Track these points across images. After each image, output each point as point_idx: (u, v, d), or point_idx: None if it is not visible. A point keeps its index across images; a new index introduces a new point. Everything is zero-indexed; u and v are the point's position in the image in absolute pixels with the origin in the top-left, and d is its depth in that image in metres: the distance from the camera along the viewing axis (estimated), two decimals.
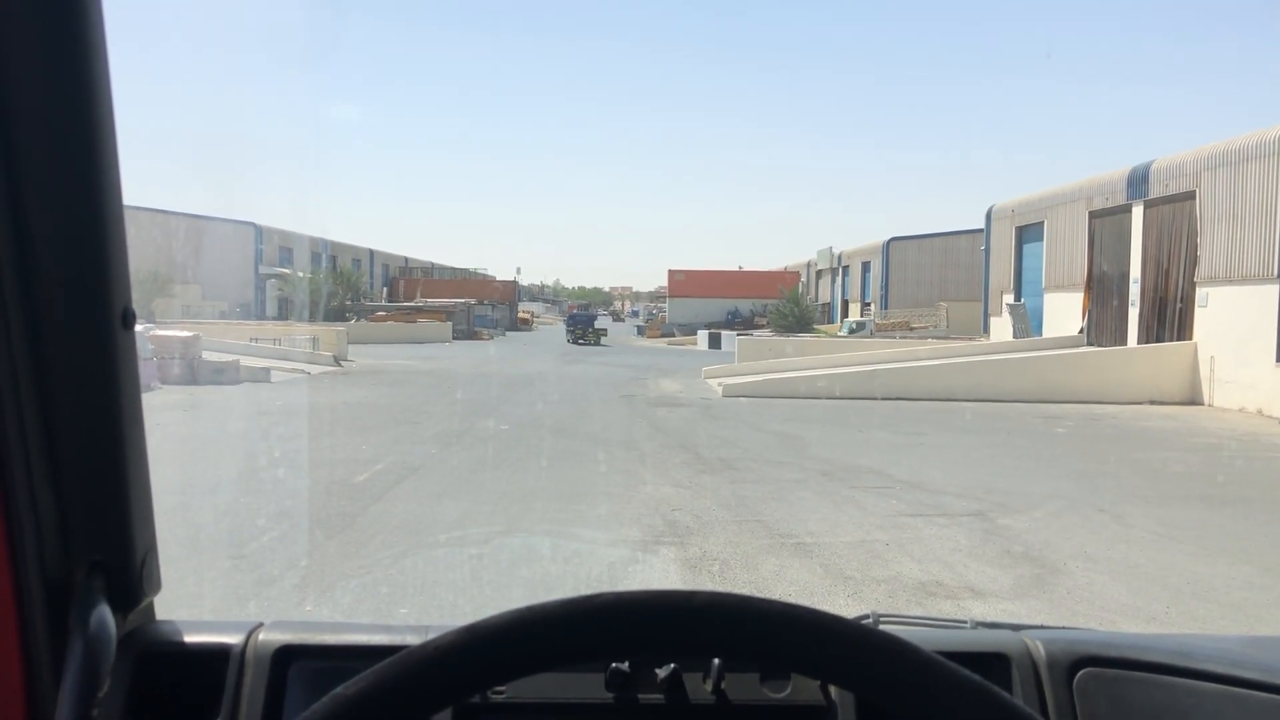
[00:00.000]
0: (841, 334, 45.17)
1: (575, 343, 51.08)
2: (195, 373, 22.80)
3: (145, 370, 20.56)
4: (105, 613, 1.12)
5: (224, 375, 23.21)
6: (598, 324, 56.65)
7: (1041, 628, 1.46)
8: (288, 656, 1.29)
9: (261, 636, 1.31)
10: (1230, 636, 1.55)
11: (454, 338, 50.49)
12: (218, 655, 1.29)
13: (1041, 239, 30.68)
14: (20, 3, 0.99)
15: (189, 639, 1.30)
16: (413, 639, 1.29)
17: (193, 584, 6.77)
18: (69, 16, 1.01)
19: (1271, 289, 19.86)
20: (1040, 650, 1.35)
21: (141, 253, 39.36)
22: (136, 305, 1.15)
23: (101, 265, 1.08)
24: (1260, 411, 19.62)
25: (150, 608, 1.32)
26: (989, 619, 1.59)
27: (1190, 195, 22.87)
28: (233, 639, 1.30)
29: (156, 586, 1.25)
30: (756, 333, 49.01)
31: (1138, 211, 25.16)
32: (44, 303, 1.05)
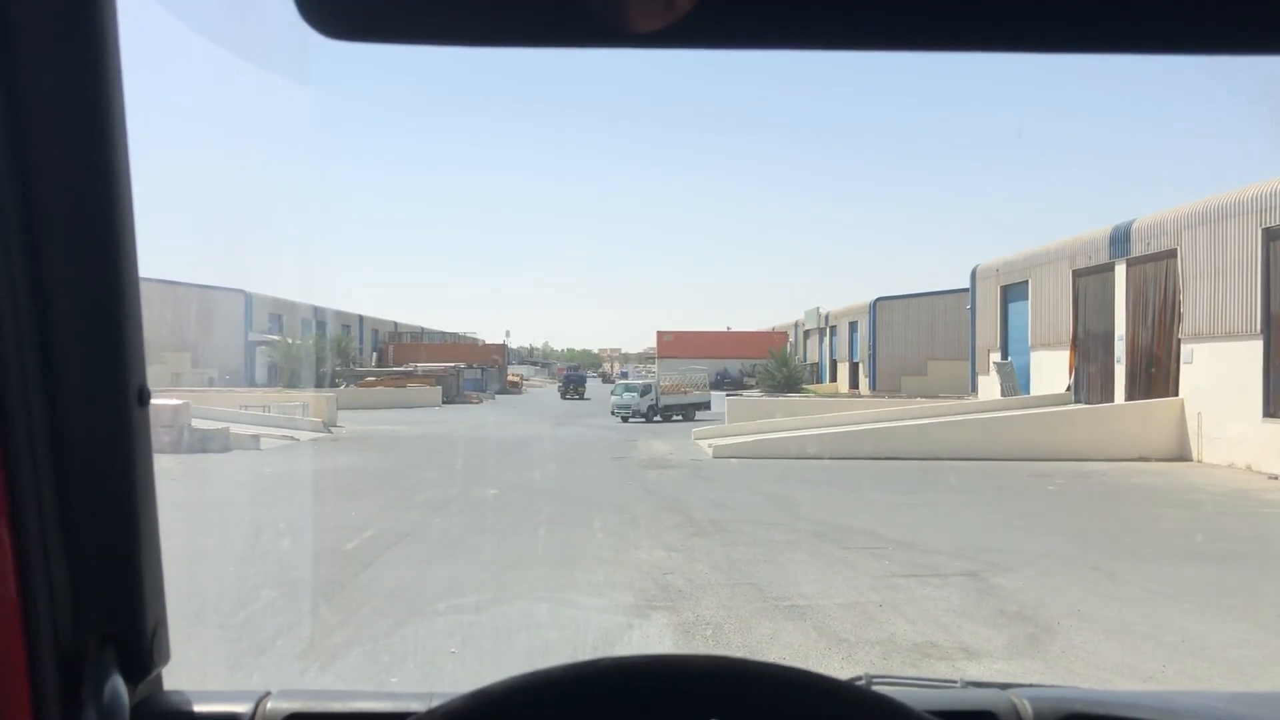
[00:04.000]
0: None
1: (565, 398, 58.58)
2: (185, 441, 22.68)
3: None
4: (118, 684, 1.14)
5: (213, 443, 23.09)
6: (587, 384, 65.16)
7: (1030, 686, 1.49)
8: None
9: (269, 705, 1.33)
10: (1215, 693, 1.58)
11: (443, 402, 50.36)
12: None
13: (1026, 298, 30.93)
14: (42, 87, 1.04)
15: (199, 709, 1.32)
16: (416, 706, 1.31)
17: (183, 653, 6.70)
18: (91, 93, 1.06)
19: (1255, 345, 20.03)
20: (1028, 708, 1.38)
21: None
22: None
23: (119, 344, 1.13)
24: (1249, 467, 19.67)
25: (159, 678, 1.34)
26: (982, 679, 1.61)
27: (1172, 253, 23.14)
28: (241, 708, 1.32)
29: (166, 657, 1.27)
30: (745, 393, 49.06)
31: (1120, 270, 25.43)
32: (63, 381, 1.09)
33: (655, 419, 38.39)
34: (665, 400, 39.70)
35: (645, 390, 40.30)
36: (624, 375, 55.56)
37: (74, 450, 1.11)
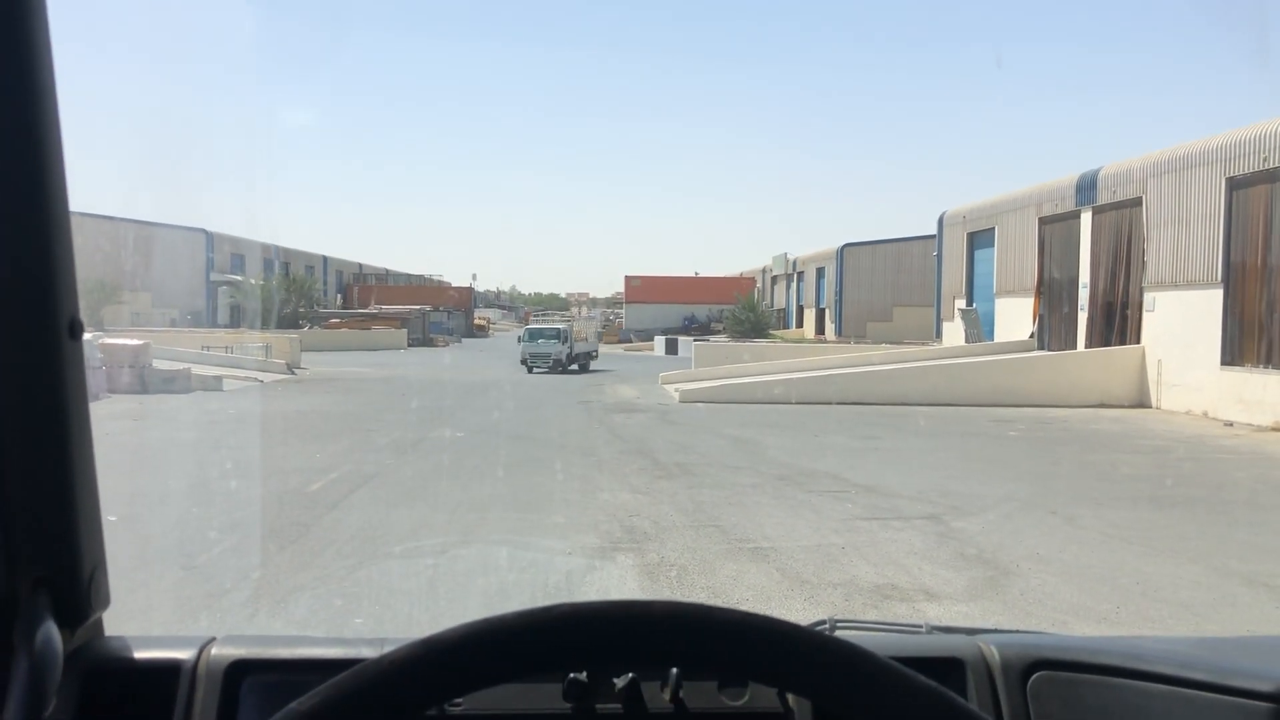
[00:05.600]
0: None
1: None
2: (146, 381, 22.44)
3: (94, 379, 20.20)
4: (51, 630, 1.09)
5: (175, 384, 22.87)
6: None
7: (996, 631, 1.48)
8: (240, 671, 1.27)
9: (214, 651, 1.29)
10: (1180, 638, 1.58)
11: (409, 344, 50.24)
12: (169, 671, 1.26)
13: (993, 245, 31.08)
14: None
15: (139, 655, 1.28)
16: (368, 652, 1.27)
17: (143, 598, 6.66)
18: (11, 18, 0.99)
19: (1216, 293, 20.27)
20: (994, 654, 1.36)
21: (90, 260, 38.61)
22: (85, 313, 1.12)
23: (47, 274, 1.06)
24: (1206, 414, 20.00)
25: (99, 623, 1.29)
26: (945, 622, 1.60)
27: (1137, 201, 23.29)
28: (184, 654, 1.28)
29: (105, 602, 1.22)
30: (713, 338, 49.19)
31: (1086, 217, 25.57)
32: None
33: (570, 369, 34.73)
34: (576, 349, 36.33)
35: (565, 337, 35.64)
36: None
37: (1, 385, 1.05)
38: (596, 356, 39.53)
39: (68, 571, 1.14)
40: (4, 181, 1.02)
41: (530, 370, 33.84)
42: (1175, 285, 21.74)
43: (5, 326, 1.04)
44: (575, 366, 35.63)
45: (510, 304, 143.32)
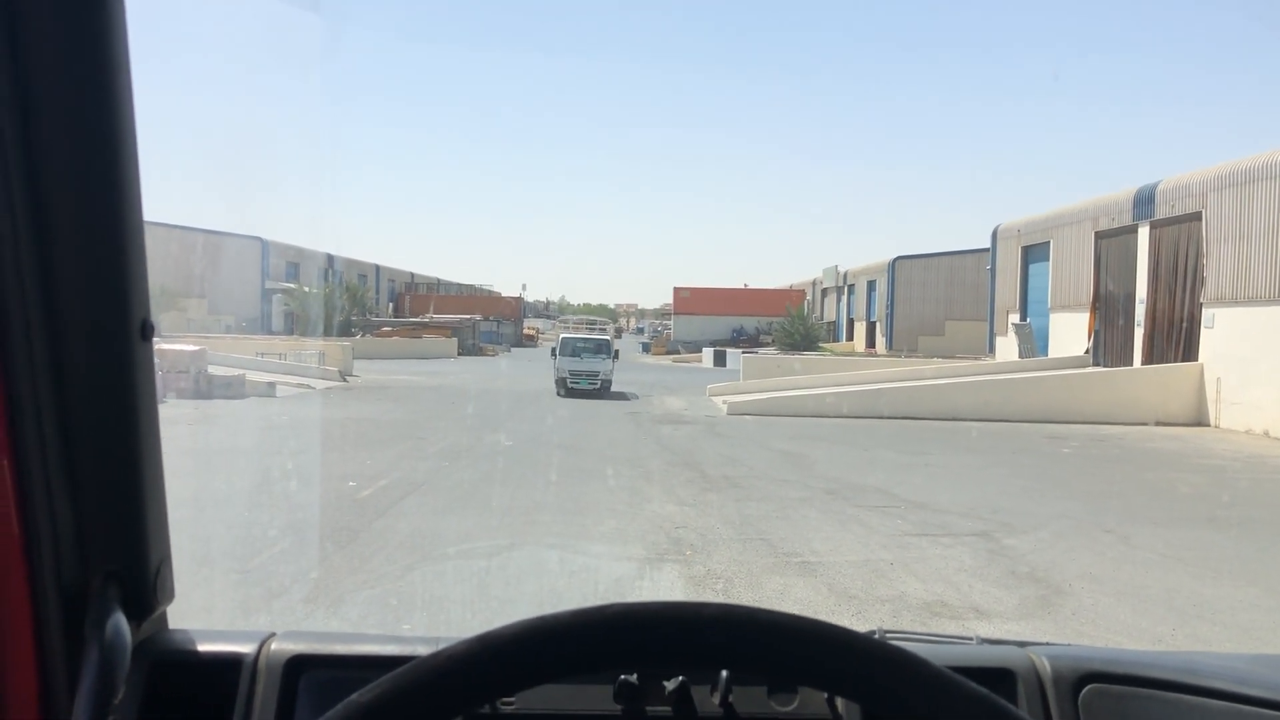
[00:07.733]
0: None
1: None
2: (201, 387, 22.82)
3: None
4: (120, 621, 1.13)
5: (230, 389, 23.23)
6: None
7: (1047, 644, 1.47)
8: (299, 666, 1.30)
9: (274, 646, 1.32)
10: (1236, 655, 1.55)
11: (459, 354, 50.54)
12: (230, 664, 1.30)
13: (1047, 259, 30.67)
14: (47, 23, 1.01)
15: (202, 648, 1.31)
16: (423, 649, 1.30)
17: (201, 595, 6.77)
18: (94, 30, 1.03)
19: (1278, 310, 19.83)
20: (1046, 666, 1.36)
21: (150, 266, 39.26)
22: None
23: (121, 277, 1.10)
24: (1267, 433, 19.56)
25: (164, 617, 1.33)
26: (994, 637, 1.59)
27: (1196, 216, 22.86)
28: (245, 648, 1.32)
29: (170, 596, 1.26)
30: (762, 351, 48.97)
31: (1144, 232, 25.15)
32: (65, 314, 1.07)
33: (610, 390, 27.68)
34: None
35: (612, 350, 28.62)
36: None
37: (76, 384, 1.09)
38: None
39: (136, 566, 1.18)
40: (84, 189, 1.06)
41: (559, 393, 27.09)
42: (1236, 301, 21.30)
43: (81, 328, 1.09)
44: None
45: (559, 314, 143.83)
